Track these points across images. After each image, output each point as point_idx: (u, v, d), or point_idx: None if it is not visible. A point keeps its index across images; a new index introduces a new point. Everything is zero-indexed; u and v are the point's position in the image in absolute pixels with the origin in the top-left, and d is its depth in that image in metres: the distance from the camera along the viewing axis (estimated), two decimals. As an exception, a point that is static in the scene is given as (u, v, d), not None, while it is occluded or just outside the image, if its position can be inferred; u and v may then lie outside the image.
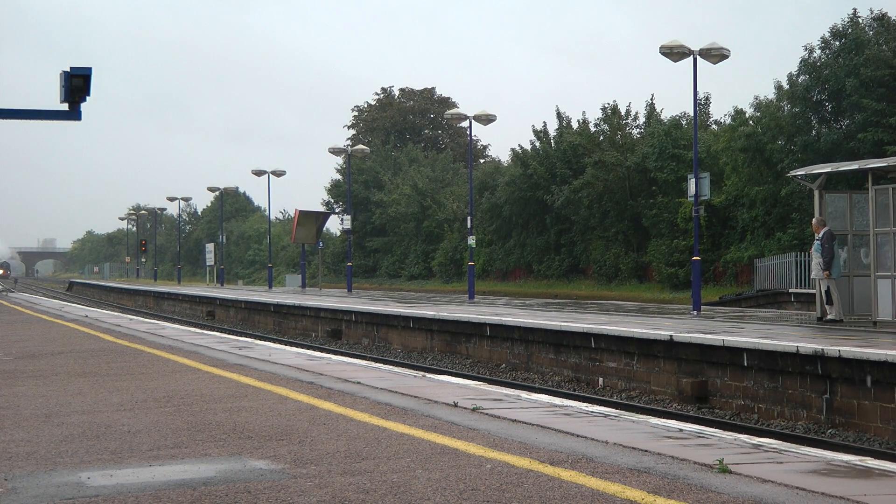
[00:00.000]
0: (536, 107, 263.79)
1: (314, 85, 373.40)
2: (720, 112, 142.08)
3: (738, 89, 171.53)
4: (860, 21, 47.07)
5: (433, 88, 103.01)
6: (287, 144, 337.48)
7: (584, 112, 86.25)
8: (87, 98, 19.43)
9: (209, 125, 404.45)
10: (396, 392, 12.27)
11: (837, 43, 46.86)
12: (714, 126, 61.91)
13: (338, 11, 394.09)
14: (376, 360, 21.30)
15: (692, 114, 44.78)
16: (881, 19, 47.04)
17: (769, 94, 54.97)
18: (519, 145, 70.25)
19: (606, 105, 64.05)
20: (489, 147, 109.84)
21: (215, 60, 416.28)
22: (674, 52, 27.14)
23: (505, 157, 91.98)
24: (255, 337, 30.39)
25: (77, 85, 19.14)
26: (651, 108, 63.99)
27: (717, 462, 7.69)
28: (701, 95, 62.36)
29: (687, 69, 35.29)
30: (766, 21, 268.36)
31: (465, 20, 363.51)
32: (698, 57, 27.23)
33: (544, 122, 69.63)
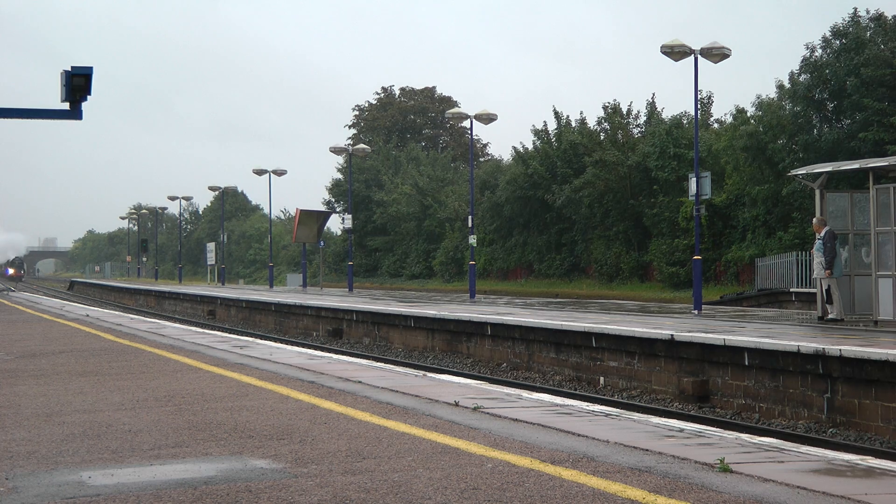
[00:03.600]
0: (524, 105, 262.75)
1: (300, 83, 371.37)
2: (720, 111, 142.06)
3: (735, 88, 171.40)
4: (860, 21, 47.06)
5: (434, 87, 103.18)
6: (273, 144, 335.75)
7: (581, 112, 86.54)
8: (88, 97, 19.46)
9: (195, 123, 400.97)
10: (397, 391, 12.27)
11: (838, 42, 46.85)
12: (715, 125, 61.93)
13: (312, 9, 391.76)
14: (377, 360, 21.31)
15: (692, 112, 45.11)
16: (878, 19, 47.03)
17: (767, 92, 54.91)
18: (521, 143, 70.35)
19: (607, 104, 64.10)
20: (489, 146, 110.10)
21: (195, 57, 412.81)
22: (675, 52, 27.14)
23: (499, 155, 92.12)
24: (257, 336, 30.40)
25: (78, 84, 19.16)
26: (652, 107, 63.97)
27: (719, 461, 7.69)
28: (702, 94, 62.37)
29: (682, 67, 35.20)
30: (748, 16, 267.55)
31: (443, 18, 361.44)
32: (699, 56, 27.24)
33: (544, 121, 69.71)
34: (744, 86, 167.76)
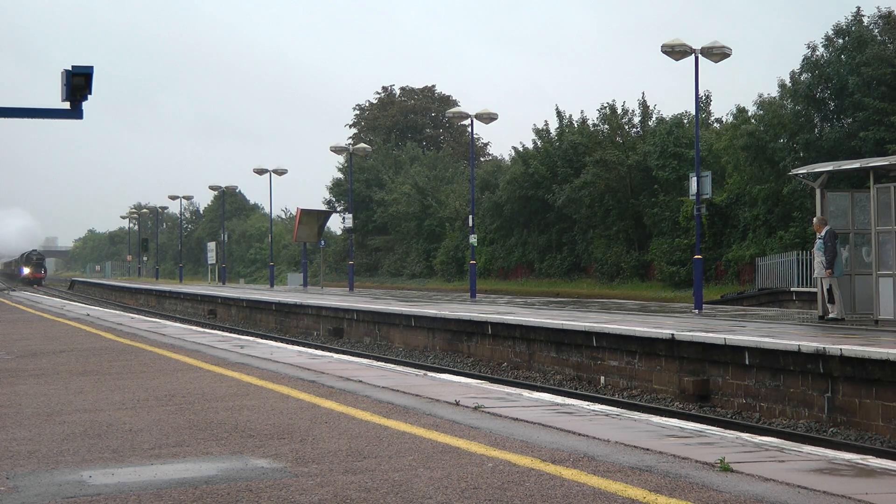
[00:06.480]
0: (512, 103, 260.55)
1: (288, 82, 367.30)
2: (719, 111, 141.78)
3: (731, 87, 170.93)
4: (864, 19, 47.04)
5: (433, 87, 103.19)
6: (264, 143, 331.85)
7: (582, 111, 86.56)
8: (89, 97, 19.46)
9: (184, 122, 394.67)
10: (398, 391, 12.27)
11: (840, 41, 46.84)
12: (715, 125, 61.94)
13: (295, 7, 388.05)
14: (378, 359, 21.31)
15: (692, 112, 45.09)
16: (887, 17, 46.95)
17: (763, 91, 54.94)
18: (521, 143, 70.31)
19: (604, 105, 64.14)
20: (489, 145, 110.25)
21: (181, 55, 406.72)
22: (675, 51, 27.13)
23: (500, 155, 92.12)
24: (257, 335, 30.40)
25: (79, 84, 19.17)
26: (644, 106, 63.91)
27: (719, 461, 7.69)
28: (700, 94, 62.37)
29: (675, 65, 35.18)
30: (731, 13, 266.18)
31: (425, 16, 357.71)
32: (700, 55, 27.24)
33: (545, 120, 69.73)
34: (740, 85, 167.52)
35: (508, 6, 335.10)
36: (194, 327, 28.84)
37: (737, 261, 51.05)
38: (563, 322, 22.47)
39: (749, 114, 52.64)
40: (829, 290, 21.86)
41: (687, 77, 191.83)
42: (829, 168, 22.52)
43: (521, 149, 69.79)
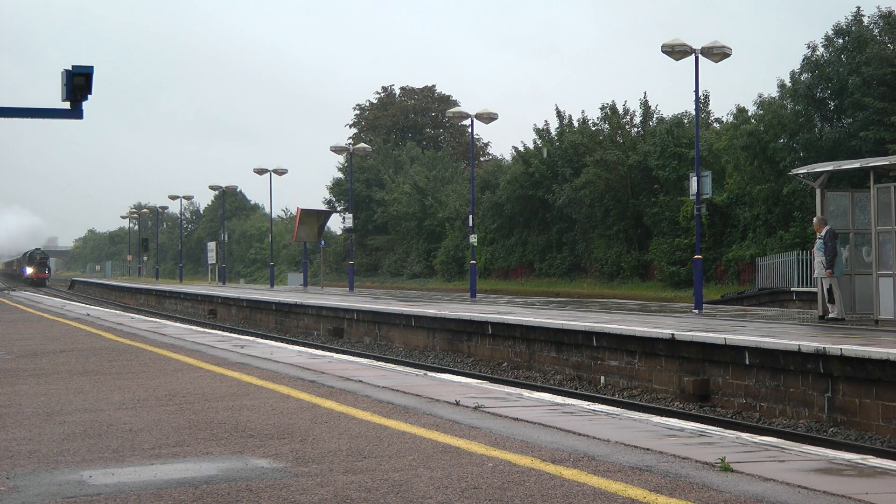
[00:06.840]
0: (509, 103, 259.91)
1: (284, 81, 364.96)
2: (720, 110, 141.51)
3: (728, 87, 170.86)
4: (864, 19, 47.01)
5: (433, 86, 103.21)
6: (261, 142, 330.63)
7: (583, 111, 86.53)
8: (89, 97, 19.47)
9: (182, 121, 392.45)
10: (398, 391, 12.27)
11: (840, 41, 46.83)
12: (715, 125, 61.95)
13: (293, 7, 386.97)
14: (378, 359, 21.30)
15: (692, 112, 45.09)
16: (887, 17, 46.92)
17: (764, 91, 55.02)
18: (522, 142, 70.31)
19: (605, 104, 64.15)
20: (489, 145, 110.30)
21: (177, 54, 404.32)
22: (675, 51, 27.14)
23: (500, 155, 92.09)
24: (257, 335, 30.40)
25: (79, 84, 19.19)
26: (646, 106, 63.91)
27: (719, 461, 7.69)
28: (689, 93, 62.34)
29: (673, 65, 35.23)
30: (729, 14, 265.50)
31: (420, 16, 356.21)
32: (700, 55, 27.24)
33: (545, 120, 69.73)
34: (740, 85, 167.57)
35: (507, 6, 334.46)
36: (194, 327, 28.83)
37: (737, 261, 51.05)
38: (564, 322, 22.47)
39: (749, 114, 52.64)
40: (830, 290, 21.86)
41: (687, 77, 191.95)
42: (829, 168, 22.52)
43: (521, 149, 69.79)
